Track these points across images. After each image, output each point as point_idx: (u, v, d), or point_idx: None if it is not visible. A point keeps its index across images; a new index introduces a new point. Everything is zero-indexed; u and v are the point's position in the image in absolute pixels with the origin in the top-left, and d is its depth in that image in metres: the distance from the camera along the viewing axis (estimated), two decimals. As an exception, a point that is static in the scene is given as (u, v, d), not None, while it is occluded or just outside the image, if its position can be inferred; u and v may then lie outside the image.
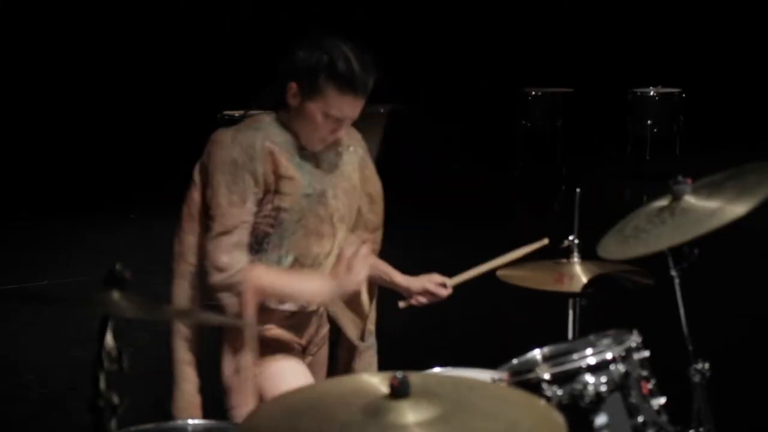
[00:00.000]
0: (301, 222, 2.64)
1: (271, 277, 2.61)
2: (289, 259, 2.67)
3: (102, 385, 1.64)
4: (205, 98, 9.18)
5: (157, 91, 9.89)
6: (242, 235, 2.56)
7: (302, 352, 2.84)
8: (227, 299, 2.55)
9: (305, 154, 2.66)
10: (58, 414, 4.14)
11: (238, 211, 2.54)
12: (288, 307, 2.73)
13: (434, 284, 2.92)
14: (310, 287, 2.67)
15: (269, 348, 2.71)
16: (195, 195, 2.64)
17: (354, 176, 2.78)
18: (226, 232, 2.54)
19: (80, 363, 4.56)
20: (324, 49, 2.55)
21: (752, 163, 2.38)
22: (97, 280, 1.77)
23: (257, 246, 2.64)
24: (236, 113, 8.09)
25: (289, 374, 2.70)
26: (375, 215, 2.87)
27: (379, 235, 2.92)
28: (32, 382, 4.51)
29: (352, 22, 10.31)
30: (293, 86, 2.58)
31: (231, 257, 2.53)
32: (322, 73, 2.53)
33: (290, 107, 2.62)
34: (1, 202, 8.05)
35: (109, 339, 1.67)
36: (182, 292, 2.66)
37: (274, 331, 2.74)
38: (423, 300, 2.93)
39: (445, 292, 2.92)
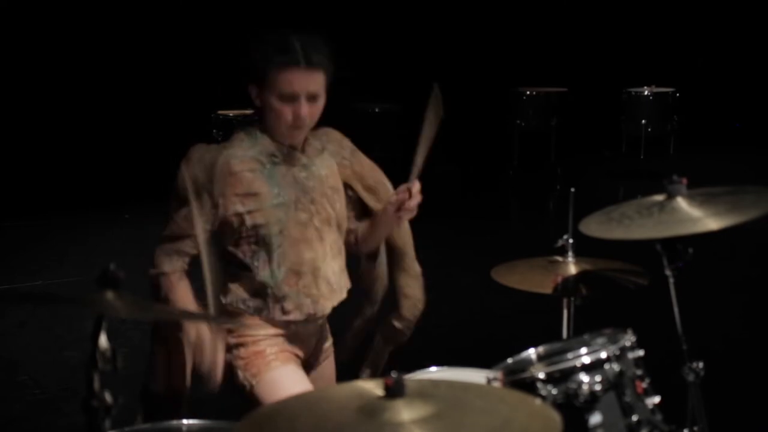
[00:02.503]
0: (283, 233, 2.65)
1: (176, 301, 2.63)
2: (282, 271, 2.67)
3: (96, 385, 1.64)
4: (199, 98, 9.18)
5: (150, 91, 9.87)
6: (185, 246, 2.64)
7: (304, 365, 2.82)
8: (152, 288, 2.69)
9: (277, 161, 2.68)
10: (52, 415, 4.13)
11: (187, 225, 2.60)
12: (291, 317, 2.72)
13: (396, 197, 2.74)
14: (192, 333, 2.55)
15: (265, 357, 2.71)
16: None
17: (332, 179, 2.77)
18: (171, 238, 2.66)
19: (74, 363, 4.57)
20: (261, 40, 2.63)
21: (754, 186, 2.40)
22: (91, 280, 1.77)
23: (250, 264, 2.67)
24: (230, 113, 8.15)
25: (286, 381, 2.69)
26: (382, 203, 2.85)
27: None
28: (26, 382, 4.51)
29: (349, 22, 10.31)
30: (250, 87, 2.65)
31: (165, 260, 2.66)
32: (262, 59, 2.59)
33: (259, 108, 2.67)
34: (-5, 203, 8.04)
35: (102, 339, 1.66)
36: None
37: (269, 341, 2.73)
38: (404, 214, 2.75)
39: (407, 196, 2.71)
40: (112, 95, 9.81)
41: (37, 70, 9.54)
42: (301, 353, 2.81)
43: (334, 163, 2.80)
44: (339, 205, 2.78)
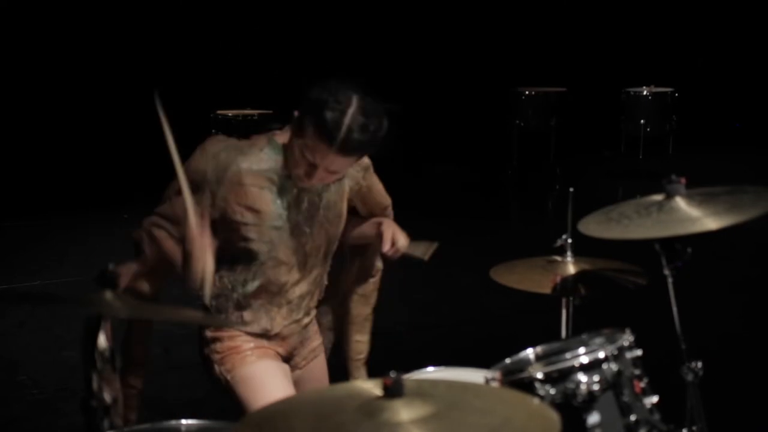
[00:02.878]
0: (271, 253, 2.66)
1: (165, 248, 2.63)
2: (255, 284, 2.69)
3: (94, 385, 1.64)
4: (198, 98, 9.17)
5: (149, 91, 9.86)
6: (175, 229, 2.61)
7: (289, 365, 2.83)
8: (145, 244, 2.67)
9: (289, 183, 2.63)
10: (52, 415, 4.13)
11: (182, 212, 2.54)
12: (246, 328, 2.72)
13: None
14: (193, 268, 2.51)
15: (241, 352, 2.71)
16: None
17: (340, 204, 2.76)
18: (164, 216, 2.64)
19: (73, 363, 4.56)
20: (331, 92, 2.48)
21: (753, 186, 2.40)
22: (90, 280, 1.77)
23: (229, 263, 2.67)
24: (229, 113, 8.15)
25: (262, 376, 2.69)
26: (381, 198, 2.90)
27: (389, 211, 2.94)
28: (25, 382, 4.50)
29: (347, 22, 10.32)
30: (295, 113, 2.55)
31: (155, 226, 2.64)
32: (313, 113, 2.47)
33: (290, 132, 2.59)
34: (-6, 203, 8.04)
35: (101, 339, 1.66)
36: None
37: (245, 337, 2.73)
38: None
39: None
40: (112, 95, 9.80)
41: (37, 70, 9.54)
42: (281, 350, 2.80)
43: (347, 187, 2.77)
44: (335, 234, 2.77)
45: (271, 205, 2.62)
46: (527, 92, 9.52)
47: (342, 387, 1.76)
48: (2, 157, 8.98)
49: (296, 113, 2.54)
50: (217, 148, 2.63)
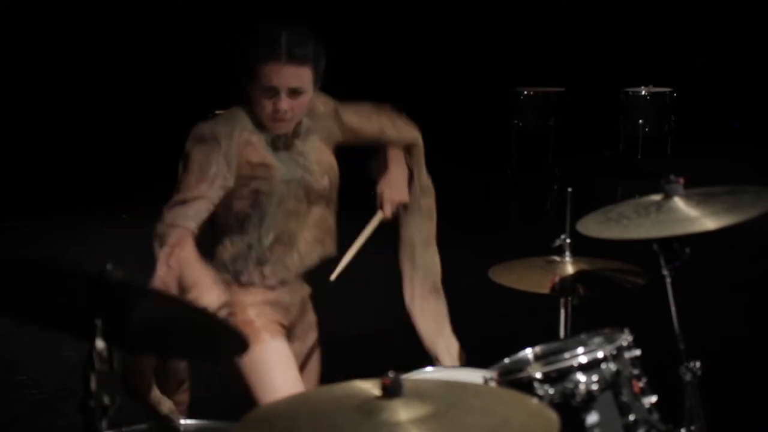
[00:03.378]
0: (281, 205, 2.75)
1: (189, 262, 2.51)
2: (270, 237, 2.76)
3: (93, 385, 1.64)
4: (196, 98, 9.17)
5: (148, 91, 9.87)
6: (199, 208, 2.58)
7: (287, 336, 2.87)
8: (156, 248, 2.54)
9: (277, 145, 2.75)
10: (52, 415, 4.13)
11: (204, 187, 2.59)
12: (268, 282, 2.79)
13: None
14: (207, 297, 2.47)
15: (254, 327, 2.75)
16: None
17: (325, 156, 2.85)
18: (184, 202, 2.58)
19: (73, 363, 4.56)
20: (250, 34, 2.70)
21: (753, 186, 2.40)
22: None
23: (238, 226, 2.74)
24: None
25: (273, 358, 2.75)
26: (391, 132, 3.06)
27: (414, 142, 3.14)
28: (24, 382, 4.51)
29: (345, 22, 10.31)
30: (242, 80, 2.70)
31: (179, 216, 2.54)
32: (248, 52, 2.66)
33: (248, 99, 2.72)
34: (-7, 203, 8.04)
35: (99, 340, 1.66)
36: None
37: (253, 311, 2.78)
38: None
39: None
40: (111, 95, 9.80)
41: (37, 70, 9.53)
42: (285, 321, 2.86)
43: (321, 142, 2.86)
44: (332, 181, 2.86)
45: (276, 160, 2.73)
46: (526, 92, 9.52)
47: (340, 387, 1.76)
48: (2, 157, 8.97)
49: (243, 79, 2.69)
50: (209, 125, 2.70)
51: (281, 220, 2.76)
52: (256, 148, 2.71)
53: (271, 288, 2.81)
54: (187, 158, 2.65)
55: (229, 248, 2.77)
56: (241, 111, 2.75)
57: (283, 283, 2.83)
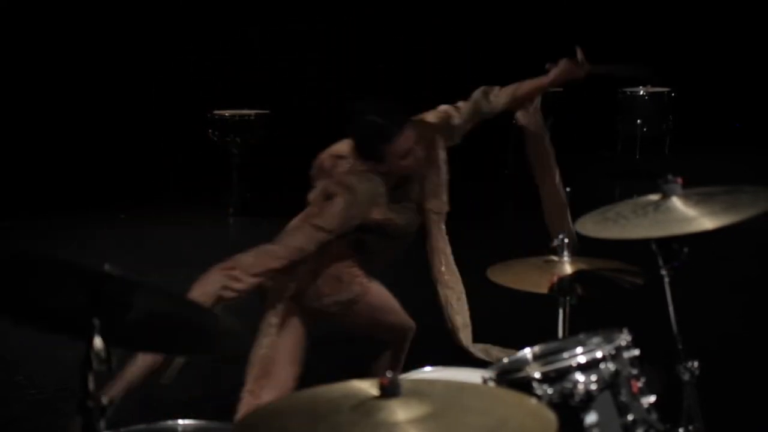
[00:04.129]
0: (381, 255, 3.29)
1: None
2: (371, 261, 3.32)
3: (91, 385, 1.64)
4: (194, 98, 9.16)
5: (146, 92, 9.86)
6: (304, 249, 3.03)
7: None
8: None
9: (394, 197, 3.19)
10: (51, 415, 4.12)
11: (322, 236, 3.05)
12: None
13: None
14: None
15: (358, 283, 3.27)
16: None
17: (437, 168, 3.44)
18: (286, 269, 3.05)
19: (72, 363, 4.55)
20: (366, 120, 3.22)
21: (751, 185, 2.40)
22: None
23: (350, 261, 3.26)
24: (226, 113, 8.13)
25: (384, 293, 3.37)
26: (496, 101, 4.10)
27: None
28: (24, 382, 4.50)
29: (345, 22, 10.31)
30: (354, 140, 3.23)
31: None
32: (376, 140, 3.16)
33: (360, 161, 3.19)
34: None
35: (97, 340, 1.66)
36: None
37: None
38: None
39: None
40: (111, 95, 9.79)
41: (36, 70, 9.52)
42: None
43: (444, 155, 3.52)
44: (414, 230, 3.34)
45: (396, 215, 3.20)
46: (525, 92, 9.50)
47: (338, 387, 1.76)
48: (2, 157, 8.96)
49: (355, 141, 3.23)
50: (355, 179, 3.14)
51: (369, 264, 3.34)
52: (380, 206, 3.21)
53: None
54: (333, 204, 3.13)
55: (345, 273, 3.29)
56: (364, 173, 3.20)
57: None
